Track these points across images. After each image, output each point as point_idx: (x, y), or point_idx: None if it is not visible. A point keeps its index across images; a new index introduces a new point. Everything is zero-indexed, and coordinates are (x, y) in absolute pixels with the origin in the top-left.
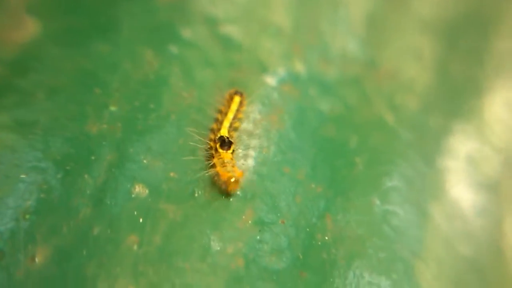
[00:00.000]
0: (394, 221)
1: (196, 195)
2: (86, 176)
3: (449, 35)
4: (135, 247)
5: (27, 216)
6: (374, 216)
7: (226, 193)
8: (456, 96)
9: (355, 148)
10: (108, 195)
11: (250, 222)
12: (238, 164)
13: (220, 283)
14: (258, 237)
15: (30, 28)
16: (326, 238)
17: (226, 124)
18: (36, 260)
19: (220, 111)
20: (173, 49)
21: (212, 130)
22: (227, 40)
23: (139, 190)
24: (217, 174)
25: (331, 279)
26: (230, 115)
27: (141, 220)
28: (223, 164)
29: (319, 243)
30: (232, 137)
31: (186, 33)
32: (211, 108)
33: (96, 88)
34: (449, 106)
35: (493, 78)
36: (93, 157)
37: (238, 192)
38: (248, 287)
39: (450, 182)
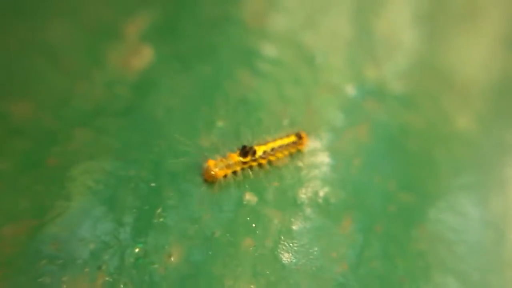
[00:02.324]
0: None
1: (298, 202)
2: (203, 187)
3: None
4: (251, 249)
5: (161, 220)
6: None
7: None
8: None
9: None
10: (224, 202)
11: (349, 229)
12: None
13: (326, 284)
14: (360, 242)
15: (146, 55)
16: (418, 246)
17: (270, 146)
18: (172, 259)
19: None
20: (265, 68)
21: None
22: (310, 59)
23: (249, 197)
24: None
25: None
26: (278, 143)
27: (253, 225)
28: (221, 160)
29: (414, 251)
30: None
31: (273, 52)
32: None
33: (203, 106)
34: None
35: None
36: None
37: (332, 201)
38: (354, 287)
39: None
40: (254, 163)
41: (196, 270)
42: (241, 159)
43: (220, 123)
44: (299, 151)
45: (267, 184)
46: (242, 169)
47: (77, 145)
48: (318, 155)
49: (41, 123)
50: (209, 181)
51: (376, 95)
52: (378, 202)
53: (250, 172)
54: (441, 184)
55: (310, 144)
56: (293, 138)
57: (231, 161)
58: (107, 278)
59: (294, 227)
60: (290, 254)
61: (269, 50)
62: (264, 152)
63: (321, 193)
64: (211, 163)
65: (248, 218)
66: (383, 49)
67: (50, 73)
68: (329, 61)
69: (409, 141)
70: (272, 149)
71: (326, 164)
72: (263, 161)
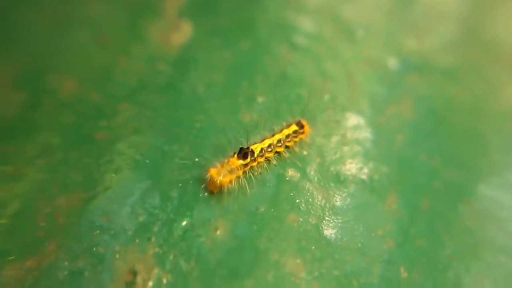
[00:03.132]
0: None
1: (342, 178)
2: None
3: None
4: (296, 224)
5: (206, 194)
6: None
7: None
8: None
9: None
10: (267, 177)
11: (394, 206)
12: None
13: (372, 261)
14: (405, 219)
15: (185, 30)
16: (466, 223)
17: (266, 142)
18: (218, 232)
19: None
20: (304, 42)
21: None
22: (350, 32)
23: (292, 173)
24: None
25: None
26: (276, 137)
27: (297, 201)
28: (222, 166)
29: (462, 229)
30: (255, 150)
31: (312, 26)
32: (343, 97)
33: (243, 81)
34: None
35: None
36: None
37: (376, 177)
38: (401, 264)
39: None
40: (254, 163)
41: (242, 244)
42: (241, 161)
43: (260, 99)
44: (301, 139)
45: (309, 159)
46: (245, 172)
47: (122, 120)
48: (360, 131)
49: (87, 97)
50: (215, 190)
51: (419, 69)
52: (423, 178)
53: (254, 173)
54: (489, 160)
55: (353, 120)
56: (294, 128)
57: (232, 166)
58: (157, 250)
59: (338, 203)
60: (335, 230)
61: (308, 24)
62: (262, 149)
63: (365, 170)
64: (213, 172)
65: (292, 194)
66: (426, 20)
67: (94, 49)
68: (369, 34)
69: (455, 116)
70: (270, 145)
71: (369, 140)
72: (261, 159)
